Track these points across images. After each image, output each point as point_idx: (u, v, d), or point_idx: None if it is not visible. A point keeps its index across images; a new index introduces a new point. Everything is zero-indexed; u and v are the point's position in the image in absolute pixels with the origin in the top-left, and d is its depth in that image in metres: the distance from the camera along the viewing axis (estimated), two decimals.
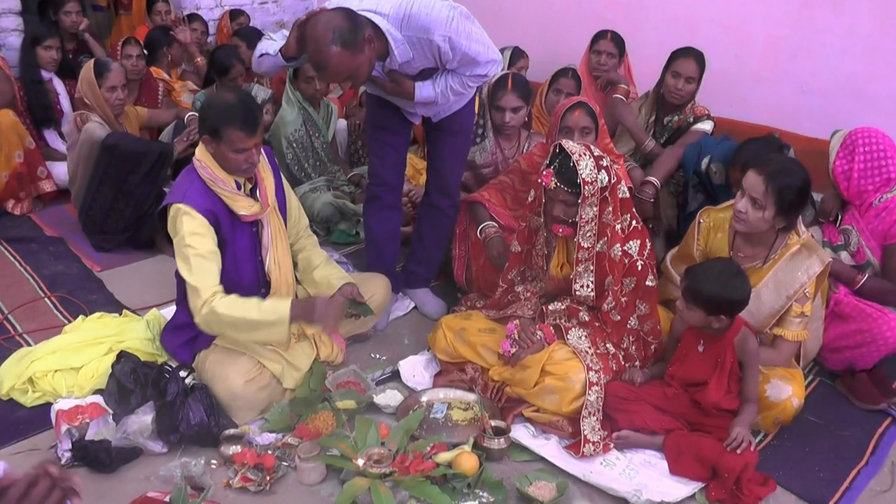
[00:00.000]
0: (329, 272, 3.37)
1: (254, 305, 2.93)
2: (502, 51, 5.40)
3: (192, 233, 2.91)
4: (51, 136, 5.29)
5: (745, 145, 3.66)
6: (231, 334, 3.00)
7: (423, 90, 3.25)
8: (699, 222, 3.27)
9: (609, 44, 4.95)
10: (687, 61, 4.30)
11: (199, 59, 5.89)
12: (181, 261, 2.94)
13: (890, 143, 3.42)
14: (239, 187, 3.04)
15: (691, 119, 4.31)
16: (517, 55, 5.46)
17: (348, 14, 2.90)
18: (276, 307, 2.94)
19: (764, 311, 3.03)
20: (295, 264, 3.41)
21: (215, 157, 2.98)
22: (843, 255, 3.47)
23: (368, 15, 2.98)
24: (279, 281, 3.23)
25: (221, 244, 3.01)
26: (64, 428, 2.80)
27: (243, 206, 3.02)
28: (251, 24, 6.82)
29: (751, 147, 3.60)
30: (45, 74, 5.33)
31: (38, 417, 3.02)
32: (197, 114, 4.12)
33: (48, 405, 3.02)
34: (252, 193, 3.09)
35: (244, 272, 3.12)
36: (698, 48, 4.41)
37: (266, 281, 3.21)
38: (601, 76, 4.96)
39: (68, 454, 2.76)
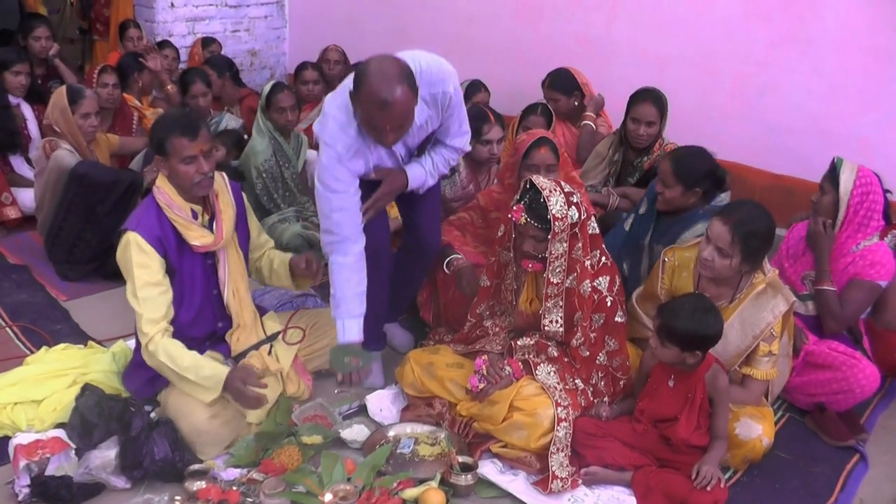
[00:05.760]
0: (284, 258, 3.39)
1: (191, 365, 2.92)
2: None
3: (141, 265, 2.93)
4: (17, 162, 5.21)
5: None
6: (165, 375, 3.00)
7: (415, 171, 3.24)
8: (664, 261, 3.29)
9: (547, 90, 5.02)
10: (645, 106, 4.30)
11: (169, 87, 5.86)
12: (129, 291, 2.96)
13: (882, 192, 3.42)
14: (195, 217, 3.04)
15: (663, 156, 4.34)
16: (475, 88, 5.37)
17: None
18: (212, 377, 2.91)
19: (730, 350, 3.04)
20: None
21: (171, 178, 2.99)
22: (810, 305, 3.49)
23: None
24: (240, 314, 3.24)
25: (169, 272, 3.02)
26: (22, 463, 2.73)
27: (196, 237, 3.02)
28: (223, 53, 6.83)
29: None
30: (13, 99, 5.27)
31: None
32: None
33: (6, 439, 2.95)
34: (209, 225, 3.08)
35: (195, 304, 3.12)
36: (666, 85, 4.46)
37: (225, 314, 3.22)
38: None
39: (26, 490, 2.70)
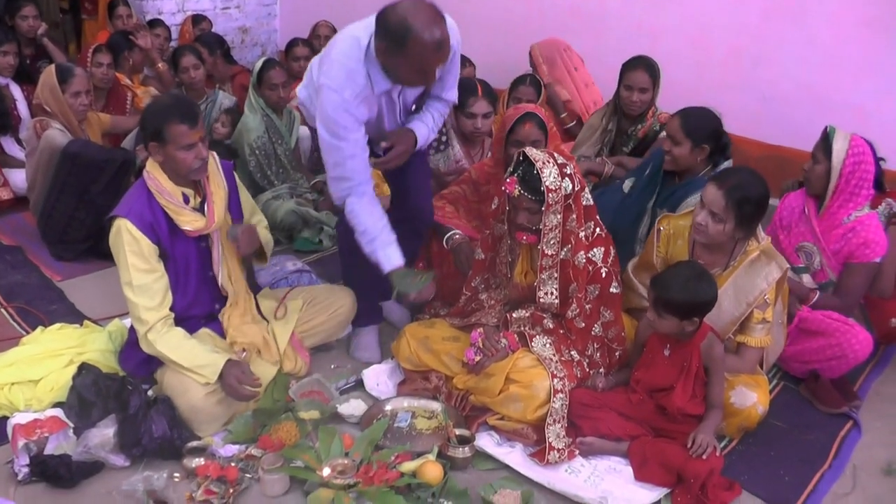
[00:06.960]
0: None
1: (188, 356, 2.93)
2: None
3: (133, 252, 2.92)
4: (7, 143, 5.19)
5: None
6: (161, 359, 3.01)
7: (420, 129, 3.22)
8: (659, 230, 3.28)
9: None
10: (637, 73, 4.30)
11: (160, 65, 5.82)
12: (123, 280, 2.96)
13: (873, 161, 3.40)
14: (187, 201, 3.01)
15: (657, 127, 4.32)
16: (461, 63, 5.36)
17: None
18: (209, 366, 2.92)
19: (724, 318, 3.05)
20: None
21: (165, 164, 2.96)
22: (806, 277, 3.50)
23: None
24: (236, 294, 3.24)
25: (163, 258, 3.01)
26: (21, 443, 2.74)
27: (187, 221, 2.99)
28: (213, 30, 6.78)
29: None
30: (2, 80, 5.25)
31: None
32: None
33: (4, 419, 2.96)
34: (200, 208, 3.06)
35: (192, 287, 3.11)
36: (660, 56, 4.43)
37: (221, 295, 3.21)
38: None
39: (26, 469, 2.71)
